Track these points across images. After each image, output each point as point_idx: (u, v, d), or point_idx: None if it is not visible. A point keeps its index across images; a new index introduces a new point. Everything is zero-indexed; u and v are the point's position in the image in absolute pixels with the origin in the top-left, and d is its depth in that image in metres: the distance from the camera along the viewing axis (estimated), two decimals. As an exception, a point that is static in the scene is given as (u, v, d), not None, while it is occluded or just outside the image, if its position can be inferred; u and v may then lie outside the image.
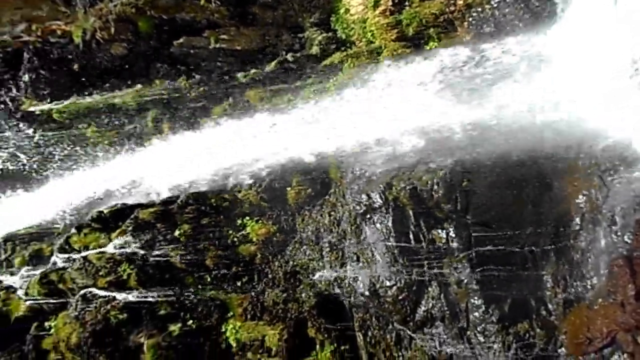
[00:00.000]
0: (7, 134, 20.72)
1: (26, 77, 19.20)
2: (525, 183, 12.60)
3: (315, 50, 16.82)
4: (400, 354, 13.89)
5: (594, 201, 11.82)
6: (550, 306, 12.25)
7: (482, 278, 12.56)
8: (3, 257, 20.70)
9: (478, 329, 12.60)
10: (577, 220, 12.08)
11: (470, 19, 14.09)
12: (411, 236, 13.45)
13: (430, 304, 13.23)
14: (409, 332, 13.69)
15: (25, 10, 20.30)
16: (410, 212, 13.43)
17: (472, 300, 12.69)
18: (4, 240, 20.70)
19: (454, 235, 12.94)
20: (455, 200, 12.88)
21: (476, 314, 12.65)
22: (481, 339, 12.53)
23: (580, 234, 12.02)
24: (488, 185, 12.78)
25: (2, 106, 20.59)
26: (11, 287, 19.54)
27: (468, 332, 12.79)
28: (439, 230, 13.21)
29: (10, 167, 21.36)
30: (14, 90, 20.00)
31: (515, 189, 12.63)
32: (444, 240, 13.11)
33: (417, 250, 13.34)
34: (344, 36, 16.84)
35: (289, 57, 16.89)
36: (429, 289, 13.29)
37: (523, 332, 12.26)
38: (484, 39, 13.62)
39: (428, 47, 15.29)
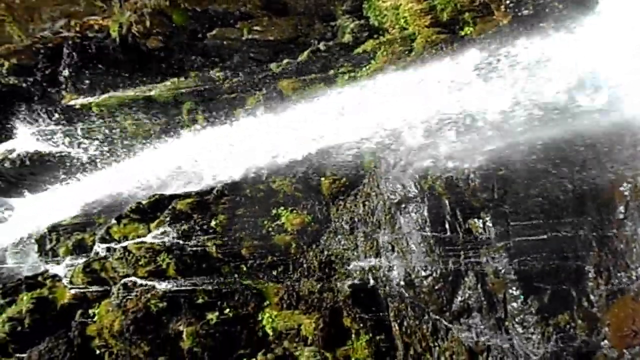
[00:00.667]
0: (51, 127, 21.38)
1: (66, 72, 19.71)
2: (566, 170, 12.23)
3: (347, 38, 16.68)
4: (436, 344, 13.79)
5: (639, 189, 11.39)
6: (592, 297, 11.91)
7: (520, 268, 12.31)
8: (48, 246, 21.44)
9: (516, 319, 12.37)
10: (622, 208, 11.67)
11: (508, 2, 13.70)
12: (447, 226, 13.27)
13: (467, 294, 13.06)
14: (445, 323, 13.57)
15: (64, 7, 20.86)
16: (446, 201, 13.24)
17: (510, 291, 12.45)
18: (49, 230, 21.42)
19: (491, 225, 12.70)
20: (492, 189, 12.62)
21: (514, 304, 12.41)
22: (520, 329, 12.31)
23: (625, 222, 11.62)
24: (526, 172, 12.45)
25: (45, 101, 21.27)
26: (56, 275, 20.27)
27: (506, 323, 12.59)
28: (476, 220, 12.98)
29: (54, 159, 22.06)
30: (54, 85, 20.60)
31: (555, 177, 12.27)
32: (480, 230, 12.89)
33: (453, 239, 13.17)
34: (376, 23, 16.63)
35: (321, 46, 16.80)
36: (466, 279, 13.11)
37: (564, 324, 11.98)
38: (522, 23, 13.24)
39: (463, 33, 14.97)
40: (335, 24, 17.19)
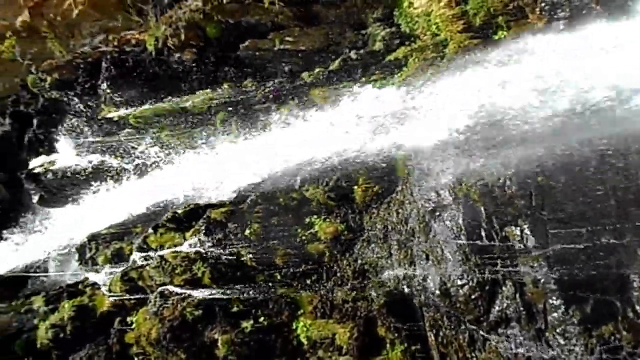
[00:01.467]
0: (90, 139, 22.04)
1: (104, 86, 20.31)
2: (608, 176, 11.84)
3: (378, 46, 16.65)
4: (474, 355, 13.49)
5: (686, 194, 10.95)
6: (637, 307, 11.46)
7: (560, 277, 11.95)
8: (88, 255, 22.04)
9: (557, 330, 11.99)
10: (667, 214, 11.23)
11: (543, 4, 13.42)
12: (483, 233, 13.00)
13: (505, 304, 12.75)
14: (482, 333, 13.27)
15: (102, 22, 21.51)
16: (482, 209, 13.00)
17: (551, 301, 12.09)
18: (88, 239, 22.03)
19: (529, 233, 12.38)
20: (530, 196, 12.33)
21: (555, 315, 12.05)
22: (561, 341, 11.93)
23: (671, 229, 11.16)
24: (566, 179, 12.11)
25: (85, 114, 21.96)
26: (96, 283, 20.77)
27: (546, 334, 12.22)
28: (513, 227, 12.68)
29: (93, 170, 22.68)
30: (94, 99, 21.25)
31: (597, 183, 11.90)
32: (518, 238, 12.58)
33: (490, 248, 12.89)
34: (407, 30, 16.53)
35: (353, 54, 16.82)
36: (503, 288, 12.81)
37: (608, 335, 11.55)
38: (558, 26, 12.94)
39: (496, 37, 14.74)
40: (366, 32, 17.18)
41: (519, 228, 12.56)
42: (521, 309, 12.50)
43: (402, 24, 16.60)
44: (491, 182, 12.75)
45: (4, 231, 26.47)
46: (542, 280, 12.15)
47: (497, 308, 12.89)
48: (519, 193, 12.37)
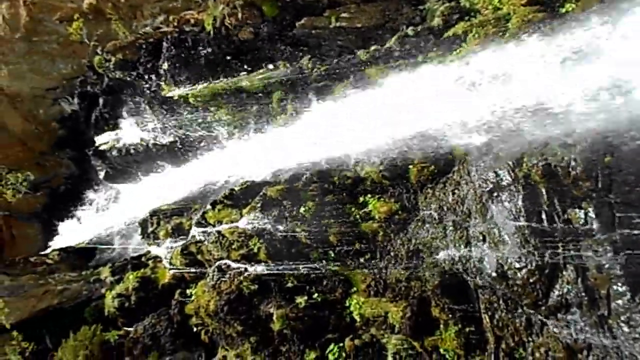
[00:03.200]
0: (152, 117, 22.80)
1: (165, 65, 20.89)
2: (683, 157, 11.12)
3: (437, 21, 16.21)
4: (530, 339, 13.17)
5: None
6: None
7: (627, 263, 11.37)
8: (150, 229, 23.00)
9: (622, 318, 11.47)
10: None
11: (616, -26, 12.57)
12: (544, 216, 12.53)
13: (565, 289, 12.30)
14: (540, 317, 12.91)
15: (163, 3, 22.09)
16: (543, 191, 12.51)
17: (615, 287, 11.55)
18: (150, 214, 22.97)
19: (594, 216, 11.81)
20: (596, 178, 11.74)
21: (620, 302, 11.51)
22: (626, 329, 11.41)
23: None
24: (635, 160, 11.44)
25: (146, 93, 22.71)
26: (158, 256, 21.72)
27: (609, 321, 11.72)
28: (576, 210, 12.13)
29: (154, 148, 23.50)
30: (155, 78, 21.91)
31: (670, 165, 11.20)
32: (582, 221, 12.03)
33: (551, 231, 12.42)
34: (467, 5, 16.01)
35: (409, 31, 16.47)
36: (564, 272, 12.35)
37: (677, 324, 10.96)
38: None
39: (564, 10, 14.00)
40: (424, 7, 16.78)
41: (583, 211, 12.01)
42: (583, 294, 12.03)
43: (462, -2, 16.07)
44: (554, 162, 12.22)
45: (72, 207, 28.10)
46: (607, 266, 11.61)
47: (556, 293, 12.46)
48: (584, 175, 11.80)
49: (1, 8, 25.23)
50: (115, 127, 24.64)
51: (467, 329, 14.14)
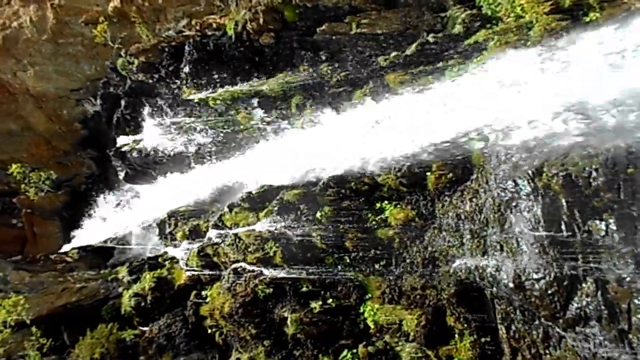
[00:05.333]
0: (172, 120, 23.07)
1: (187, 69, 21.15)
2: None
3: (458, 29, 16.12)
4: (547, 352, 12.96)
5: None
6: None
7: (649, 277, 11.14)
8: (167, 230, 23.26)
9: (643, 333, 11.25)
10: None
11: (641, -17, 12.40)
12: (563, 226, 12.32)
13: (585, 302, 12.08)
14: (558, 330, 12.69)
15: (186, 7, 22.41)
16: (563, 201, 12.32)
17: (636, 301, 11.30)
18: (168, 215, 23.23)
19: (615, 228, 11.57)
20: (618, 189, 11.53)
21: (641, 316, 11.29)
22: (646, 344, 11.19)
23: None
24: (660, 172, 11.24)
25: (168, 95, 23.01)
26: (174, 257, 21.92)
27: (630, 336, 11.47)
28: (597, 222, 11.91)
29: (174, 150, 23.74)
30: (176, 81, 22.18)
31: (696, 178, 10.95)
32: (602, 233, 11.80)
33: (571, 242, 12.22)
34: (489, 12, 15.86)
35: (430, 38, 16.40)
36: (583, 285, 12.13)
37: (699, 341, 10.70)
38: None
39: (587, 19, 13.82)
40: (445, 15, 16.68)
41: (604, 222, 11.79)
42: (602, 307, 11.79)
43: (483, 5, 15.93)
44: (575, 172, 12.04)
45: (91, 209, 28.55)
46: (628, 279, 11.37)
47: (575, 305, 12.24)
48: (606, 186, 11.60)
49: (29, 11, 25.85)
50: (136, 128, 24.99)
51: (483, 339, 13.97)
